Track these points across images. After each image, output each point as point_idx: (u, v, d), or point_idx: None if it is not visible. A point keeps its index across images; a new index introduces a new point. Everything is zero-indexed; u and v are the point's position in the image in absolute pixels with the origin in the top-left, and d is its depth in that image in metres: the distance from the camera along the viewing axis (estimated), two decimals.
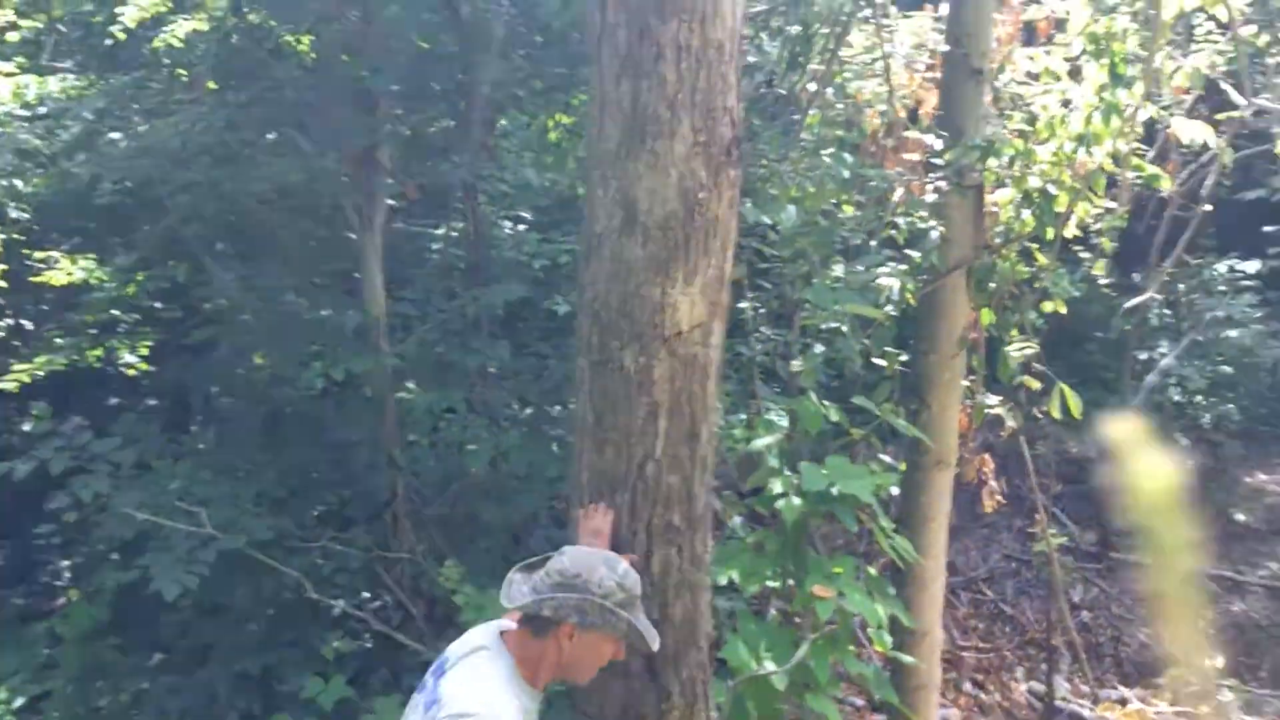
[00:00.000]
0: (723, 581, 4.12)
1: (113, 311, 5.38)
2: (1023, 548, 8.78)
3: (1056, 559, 7.18)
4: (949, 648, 7.92)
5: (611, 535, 3.12)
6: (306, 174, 5.05)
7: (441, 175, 5.54)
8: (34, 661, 5.46)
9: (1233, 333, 9.26)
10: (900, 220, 4.66)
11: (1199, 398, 9.45)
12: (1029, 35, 5.41)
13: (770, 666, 3.80)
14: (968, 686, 7.65)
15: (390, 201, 5.87)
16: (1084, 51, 4.55)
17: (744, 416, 4.97)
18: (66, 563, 6.14)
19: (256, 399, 5.47)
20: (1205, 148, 4.96)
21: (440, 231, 6.15)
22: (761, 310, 5.38)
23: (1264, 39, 5.39)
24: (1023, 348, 4.99)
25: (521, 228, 6.65)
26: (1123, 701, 6.98)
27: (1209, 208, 6.29)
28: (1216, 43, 5.83)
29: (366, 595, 5.31)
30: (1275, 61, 7.33)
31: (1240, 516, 9.32)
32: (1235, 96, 4.75)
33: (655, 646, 2.55)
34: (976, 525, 8.91)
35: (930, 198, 4.71)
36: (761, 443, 4.11)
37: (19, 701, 5.11)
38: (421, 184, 5.31)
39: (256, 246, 5.90)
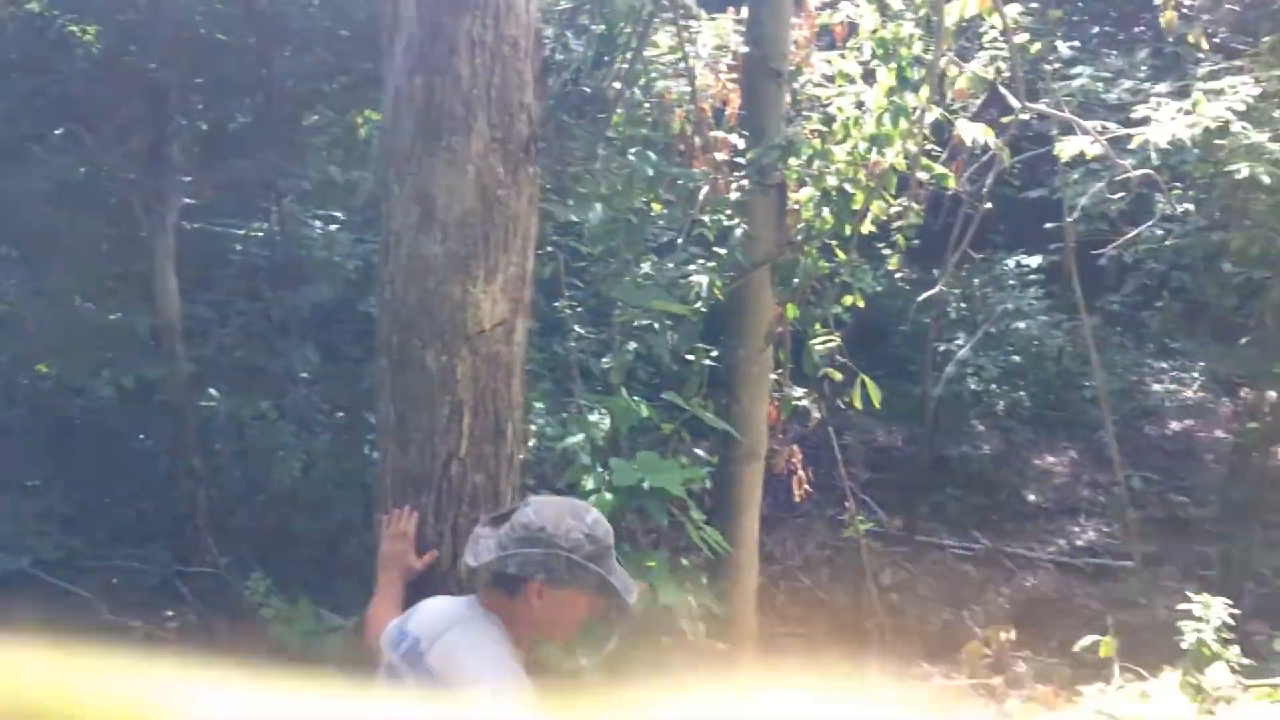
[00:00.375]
0: None
1: None
2: (835, 535, 9.11)
3: (865, 544, 7.49)
4: (767, 634, 8.14)
5: (417, 537, 3.07)
6: (91, 171, 4.78)
7: (242, 172, 5.34)
8: None
9: (1021, 324, 9.86)
10: (707, 218, 4.76)
11: (993, 386, 10.03)
12: (826, 39, 5.63)
13: (583, 661, 3.83)
14: (785, 671, 7.88)
15: (188, 200, 5.62)
16: (874, 55, 4.77)
17: (564, 415, 4.99)
18: None
19: (41, 409, 5.14)
20: (987, 148, 5.26)
21: (243, 232, 5.93)
22: (579, 308, 5.41)
23: (1036, 46, 5.75)
24: (825, 341, 5.18)
25: (333, 227, 6.48)
26: (926, 678, 7.34)
27: (989, 205, 6.68)
28: (1001, 50, 6.18)
29: (169, 614, 5.07)
30: (1052, 69, 7.85)
31: (1031, 497, 9.94)
32: (1012, 101, 5.06)
33: (633, 600, 2.38)
34: (792, 515, 9.19)
35: (735, 196, 4.83)
36: (572, 440, 4.14)
37: None
38: (217, 183, 5.10)
39: (41, 248, 5.55)
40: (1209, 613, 5.87)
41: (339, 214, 6.32)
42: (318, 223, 6.03)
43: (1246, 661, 5.73)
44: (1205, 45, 7.23)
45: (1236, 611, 6.21)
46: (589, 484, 4.14)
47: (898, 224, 5.74)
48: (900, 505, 9.73)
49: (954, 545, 9.45)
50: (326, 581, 5.17)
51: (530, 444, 4.55)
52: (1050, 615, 8.47)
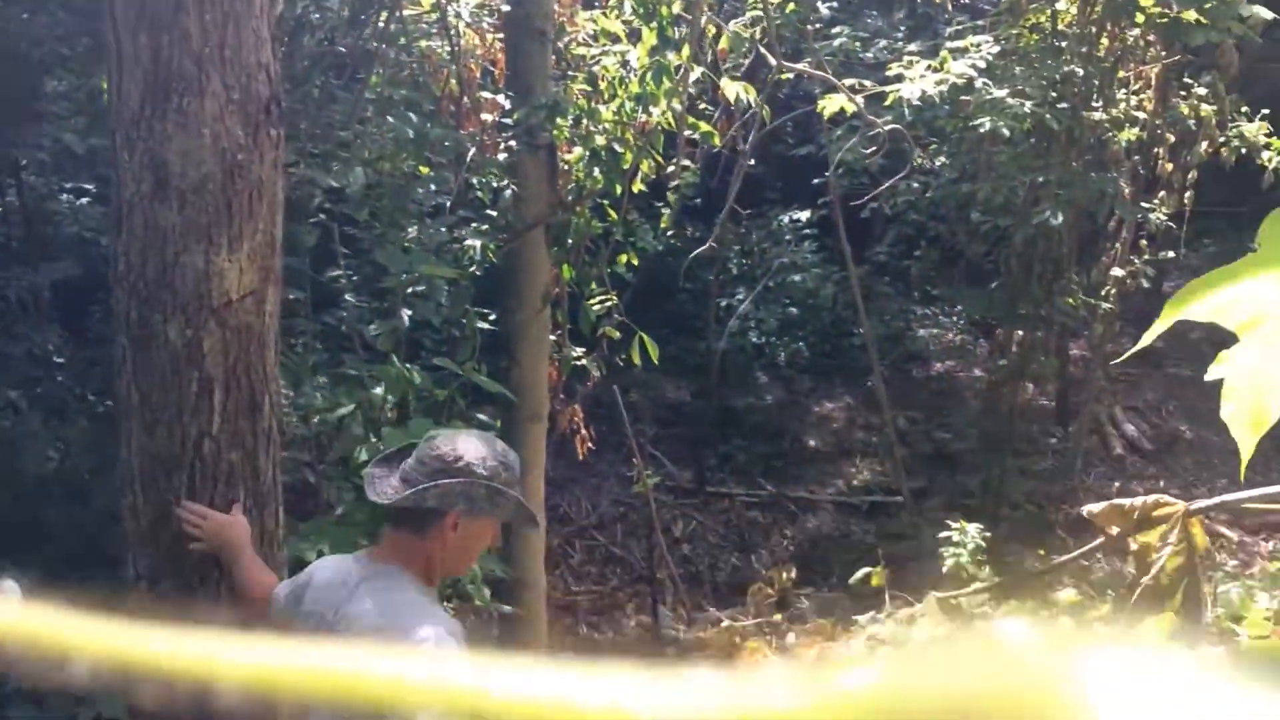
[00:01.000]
0: (312, 556, 4.03)
1: None
2: (627, 492, 9.28)
3: (653, 499, 7.66)
4: (562, 595, 8.24)
5: (169, 519, 2.93)
6: None
7: None
8: None
9: (797, 277, 10.26)
10: (476, 180, 4.71)
11: (773, 338, 10.41)
12: None
13: None
14: (583, 629, 8.02)
15: None
16: (635, 14, 4.81)
17: (336, 387, 4.86)
18: None
19: None
20: (749, 106, 5.41)
21: None
22: (353, 277, 5.26)
23: (792, 7, 5.94)
24: (602, 300, 5.24)
25: (83, 200, 6.03)
26: (716, 622, 7.61)
27: (751, 162, 6.89)
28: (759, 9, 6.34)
29: None
30: (813, 29, 8.13)
31: (812, 442, 10.41)
32: (771, 60, 5.22)
33: (540, 525, 2.35)
34: (586, 475, 9.30)
35: (503, 157, 4.79)
36: (344, 410, 4.04)
37: None
38: None
39: None
40: (965, 538, 6.34)
41: (90, 186, 5.90)
42: (66, 196, 5.61)
43: (998, 579, 6.21)
44: (950, 5, 7.66)
45: (989, 535, 6.72)
46: (363, 455, 4.06)
47: (674, 182, 5.84)
48: (689, 458, 10.00)
49: (741, 493, 9.81)
50: (89, 575, 4.88)
51: (301, 416, 4.41)
52: (830, 553, 8.93)
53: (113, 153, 2.78)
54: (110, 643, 0.31)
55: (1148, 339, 1.01)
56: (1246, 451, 1.02)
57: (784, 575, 7.92)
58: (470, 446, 2.30)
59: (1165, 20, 7.05)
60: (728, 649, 7.02)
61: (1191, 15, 6.77)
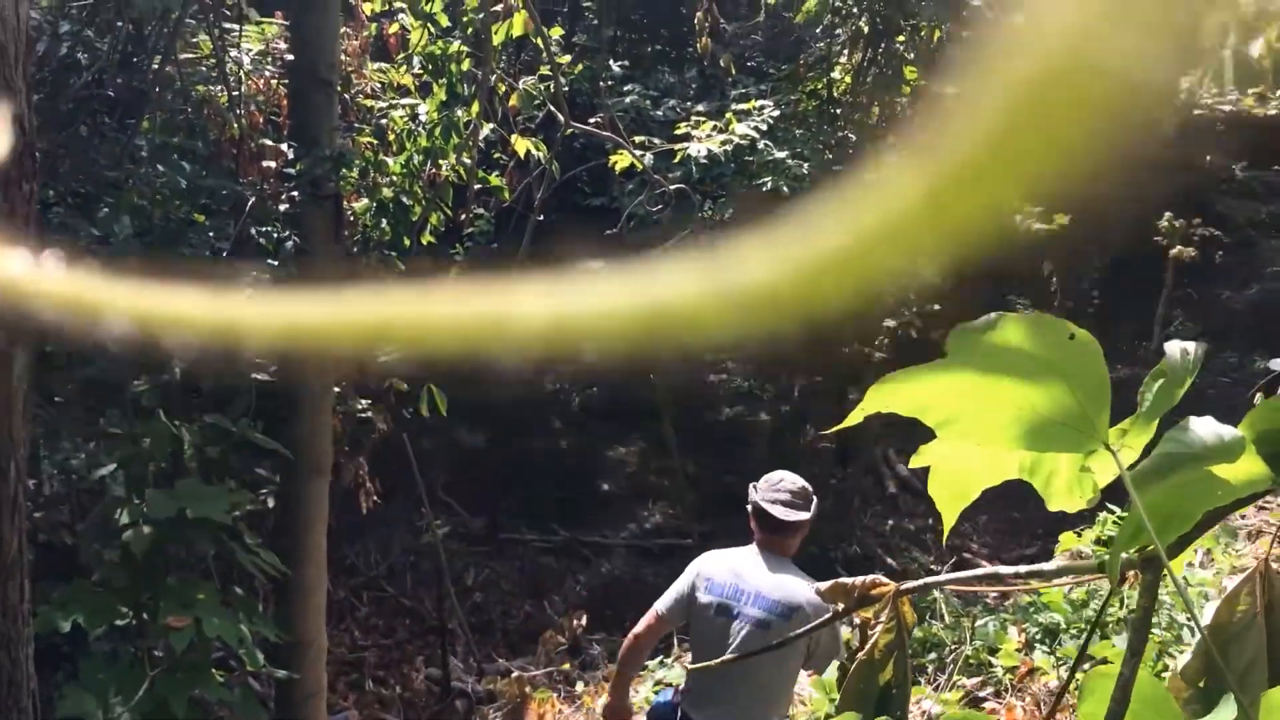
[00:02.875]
0: (66, 626, 3.78)
1: None
2: (418, 540, 9.13)
3: (444, 548, 7.57)
4: (348, 650, 8.00)
5: None
6: None
7: None
8: None
9: None
10: (257, 230, 4.57)
11: (568, 384, 10.51)
12: (382, 50, 5.60)
13: (121, 711, 3.57)
14: (369, 684, 7.79)
15: None
16: (425, 70, 4.82)
17: (93, 445, 4.59)
18: None
19: None
20: (539, 162, 5.50)
21: None
22: None
23: (580, 67, 6.09)
24: (388, 352, 5.16)
25: None
26: (506, 672, 7.55)
27: (540, 217, 7.00)
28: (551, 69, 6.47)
29: None
30: (606, 85, 8.34)
31: (605, 486, 10.53)
32: (560, 116, 5.33)
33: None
34: (376, 524, 9.07)
35: (284, 208, 4.69)
36: (103, 471, 3.83)
37: None
38: None
39: None
40: None
41: None
42: None
43: None
44: (733, 70, 8.01)
45: None
46: (124, 518, 3.86)
47: (468, 230, 5.84)
48: (483, 504, 9.93)
49: (535, 539, 9.81)
50: None
51: (60, 475, 4.16)
52: (623, 596, 9.02)
53: None
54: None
55: (854, 418, 1.13)
56: (949, 523, 1.19)
57: (574, 622, 7.96)
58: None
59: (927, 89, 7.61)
60: (517, 699, 6.97)
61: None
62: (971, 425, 1.12)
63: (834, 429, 1.26)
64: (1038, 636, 6.05)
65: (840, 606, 1.43)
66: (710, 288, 0.28)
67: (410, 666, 8.15)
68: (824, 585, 1.43)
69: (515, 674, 7.31)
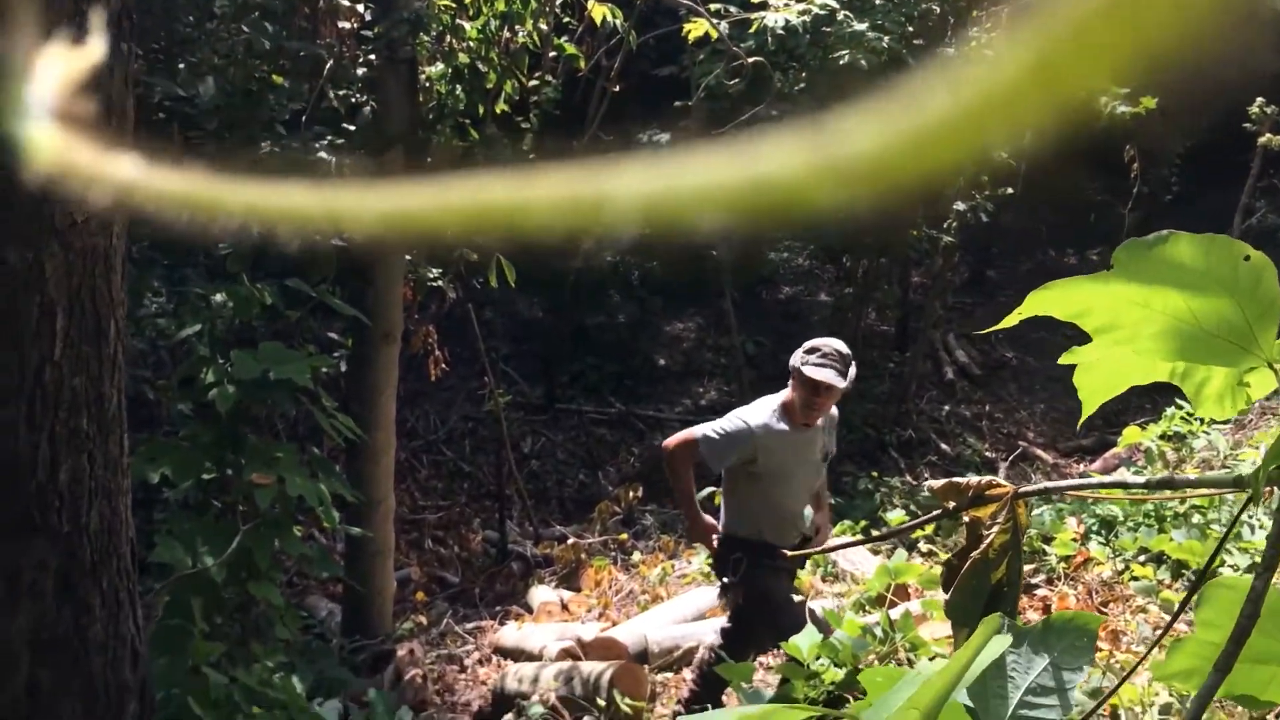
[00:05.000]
0: (155, 479, 3.91)
1: None
2: (477, 408, 9.27)
3: (504, 415, 7.68)
4: (410, 511, 8.23)
5: (10, 446, 2.81)
6: None
7: None
8: None
9: None
10: (333, 94, 4.52)
11: (628, 257, 10.45)
12: None
13: (208, 561, 3.71)
14: (429, 544, 8.03)
15: None
16: None
17: (180, 305, 4.66)
18: None
19: None
20: (616, 30, 5.35)
21: None
22: None
23: None
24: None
25: None
26: (562, 538, 7.74)
27: (617, 88, 6.84)
28: None
29: None
30: None
31: (662, 361, 10.58)
32: None
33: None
34: (437, 390, 9.23)
35: (362, 71, 4.62)
36: (189, 331, 3.89)
37: None
38: None
39: None
40: None
41: None
42: None
43: (835, 500, 6.51)
44: None
45: None
46: (209, 377, 3.94)
47: (534, 99, 5.74)
48: (541, 375, 10.03)
49: (591, 411, 9.92)
50: None
51: (140, 332, 4.24)
52: None
53: None
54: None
55: (1010, 321, 1.16)
56: (1088, 411, 1.24)
57: (630, 493, 8.10)
58: None
59: None
60: (573, 565, 7.16)
61: None
62: (1130, 333, 1.15)
63: (988, 330, 1.26)
64: (1094, 528, 6.06)
65: (950, 505, 1.44)
66: (814, 160, 0.27)
67: (468, 529, 8.39)
68: (938, 483, 1.44)
69: (571, 540, 7.49)
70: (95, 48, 0.39)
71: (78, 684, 3.26)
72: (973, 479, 1.42)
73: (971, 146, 0.26)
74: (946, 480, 1.42)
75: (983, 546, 1.34)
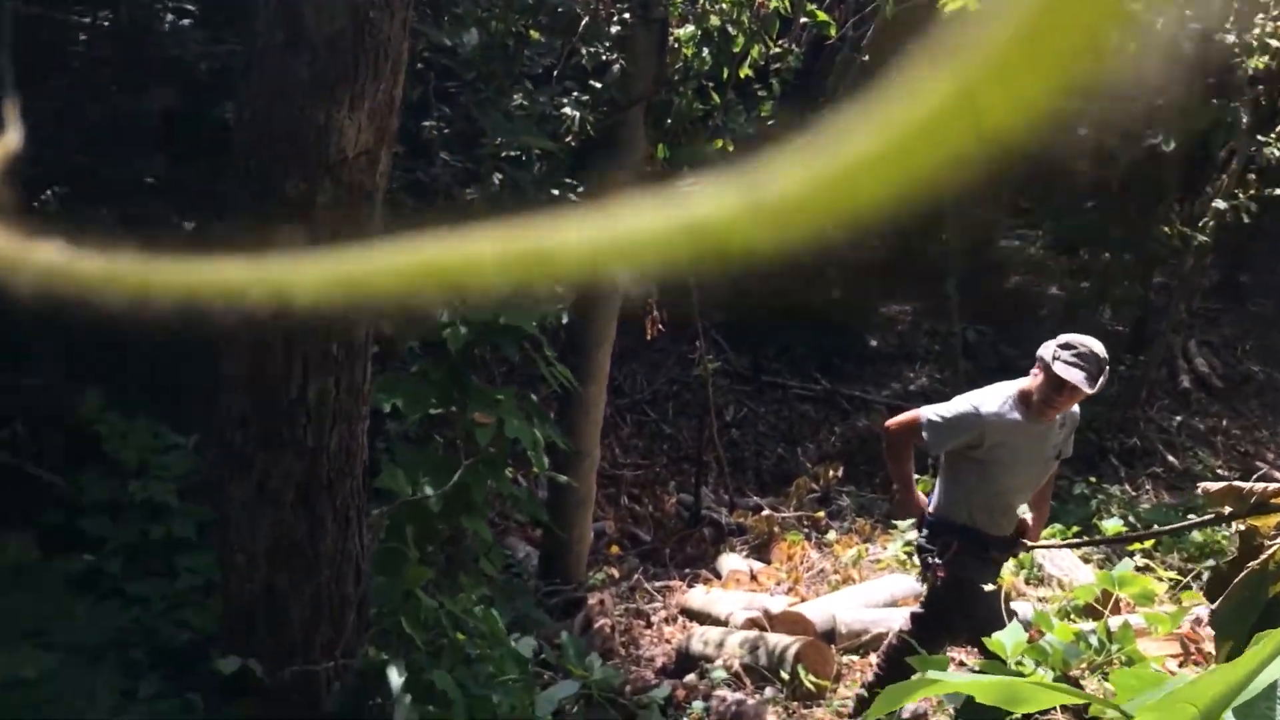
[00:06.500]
0: (386, 409, 4.12)
1: None
2: (685, 372, 9.34)
3: (711, 382, 7.70)
4: (609, 466, 8.38)
5: (265, 368, 3.02)
6: None
7: None
8: None
9: None
10: (584, 50, 4.60)
11: (849, 236, 10.23)
12: None
13: (428, 491, 3.89)
14: (625, 500, 8.18)
15: None
16: None
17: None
18: None
19: None
20: None
21: (89, 21, 5.41)
22: (446, 131, 5.20)
23: None
24: (693, 183, 5.15)
25: (186, 22, 5.95)
26: (756, 509, 7.73)
27: (866, 56, 6.67)
28: None
29: None
30: None
31: (873, 342, 10.36)
32: None
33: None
34: (646, 351, 9.35)
35: (615, 29, 4.68)
36: None
37: None
38: None
39: None
40: None
41: (191, 5, 5.81)
42: (170, 15, 5.54)
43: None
44: None
45: None
46: (444, 316, 4.11)
47: (776, 66, 5.67)
48: (749, 345, 10.00)
49: (796, 385, 9.83)
50: (169, 398, 5.03)
51: None
52: (878, 455, 8.95)
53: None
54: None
55: None
56: None
57: (830, 471, 7.99)
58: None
59: None
60: (765, 536, 7.14)
61: None
62: None
63: None
64: None
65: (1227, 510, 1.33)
66: (745, 202, 0.28)
67: (663, 490, 8.49)
68: (1214, 486, 1.34)
69: (765, 512, 7.47)
70: (11, 139, 0.39)
71: (308, 591, 3.50)
72: (1255, 485, 1.32)
73: (897, 180, 0.26)
74: (1226, 484, 1.32)
75: (1262, 558, 1.23)
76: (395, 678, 3.52)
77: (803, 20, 5.03)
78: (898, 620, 4.56)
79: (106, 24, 5.34)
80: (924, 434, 3.75)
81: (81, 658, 3.95)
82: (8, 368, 4.55)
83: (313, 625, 3.54)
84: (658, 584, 6.69)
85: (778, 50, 5.53)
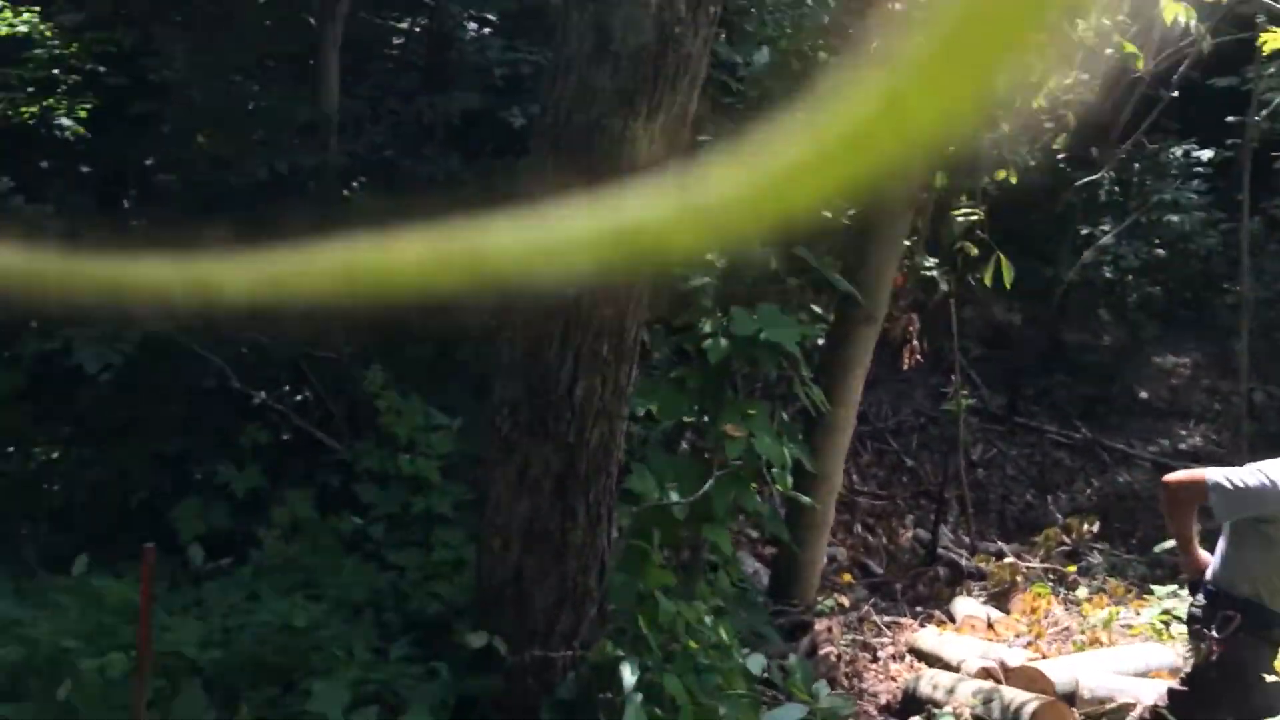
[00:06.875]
0: (641, 412, 4.22)
1: (53, 71, 5.06)
2: (933, 405, 9.07)
3: (963, 418, 7.44)
4: (846, 492, 8.25)
5: (540, 360, 3.17)
6: None
7: None
8: None
9: (1175, 217, 9.36)
10: None
11: (1129, 277, 9.65)
12: None
13: (674, 497, 3.95)
14: (858, 528, 8.02)
15: None
16: None
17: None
18: None
19: (196, 180, 5.26)
20: (1187, 31, 4.89)
21: (404, 26, 5.85)
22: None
23: None
24: (969, 214, 5.02)
25: (487, 31, 6.34)
26: (999, 555, 7.39)
27: (1174, 94, 6.26)
28: None
29: (289, 390, 5.31)
30: None
31: (1143, 394, 9.71)
32: None
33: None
34: (893, 379, 9.14)
35: None
36: (698, 282, 4.14)
37: None
38: None
39: (208, 19, 5.56)
40: None
41: (492, 16, 6.18)
42: (472, 24, 5.92)
43: None
44: None
45: None
46: (706, 327, 4.17)
47: (1067, 97, 5.43)
48: (1005, 384, 9.60)
49: (1053, 431, 9.35)
50: (438, 382, 5.35)
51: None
52: (1137, 514, 8.39)
53: (563, 7, 2.90)
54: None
55: None
56: None
57: (1084, 525, 7.55)
58: None
59: None
60: (1006, 585, 6.82)
61: None
62: None
63: None
64: None
65: None
66: (678, 206, 0.28)
67: (899, 522, 8.26)
68: None
69: (1009, 559, 7.14)
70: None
71: (554, 579, 3.64)
72: None
73: (829, 186, 0.26)
74: None
75: None
76: (628, 675, 3.58)
77: (1108, 51, 4.77)
78: (1150, 693, 4.26)
79: (418, 29, 5.74)
80: (1210, 497, 3.50)
81: (343, 612, 4.26)
82: (309, 341, 4.95)
83: (555, 612, 3.67)
84: (887, 618, 6.53)
85: (1068, 81, 5.29)
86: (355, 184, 5.17)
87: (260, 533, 4.62)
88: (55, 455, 5.19)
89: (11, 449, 5.24)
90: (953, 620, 6.43)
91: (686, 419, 4.31)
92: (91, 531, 4.90)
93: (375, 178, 5.12)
